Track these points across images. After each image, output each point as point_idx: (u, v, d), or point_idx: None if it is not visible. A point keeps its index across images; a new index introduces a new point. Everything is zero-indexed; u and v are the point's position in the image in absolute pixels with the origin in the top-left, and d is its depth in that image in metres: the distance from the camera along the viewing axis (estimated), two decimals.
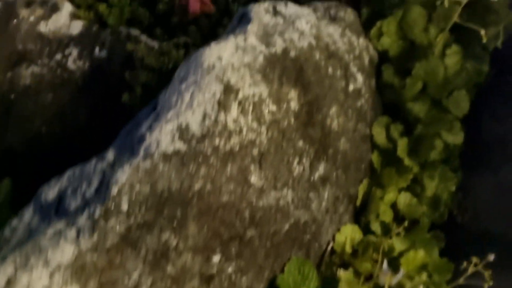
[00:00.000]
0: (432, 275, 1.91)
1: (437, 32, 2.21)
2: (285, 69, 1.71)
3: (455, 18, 1.98)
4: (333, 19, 2.03)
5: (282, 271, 1.73)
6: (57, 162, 1.72)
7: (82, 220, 1.40)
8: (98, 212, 1.39)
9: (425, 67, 2.09)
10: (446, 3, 1.91)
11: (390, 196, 2.02)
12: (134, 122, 1.58)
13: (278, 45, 1.74)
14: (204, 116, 1.49)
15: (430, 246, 1.96)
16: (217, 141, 1.50)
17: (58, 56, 2.01)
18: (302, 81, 1.76)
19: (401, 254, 1.94)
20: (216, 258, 1.56)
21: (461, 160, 2.15)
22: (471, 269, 1.73)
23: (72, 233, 1.39)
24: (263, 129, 1.62)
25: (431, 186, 2.07)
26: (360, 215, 2.04)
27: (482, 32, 1.90)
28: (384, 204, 2.02)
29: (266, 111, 1.63)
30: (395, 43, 2.15)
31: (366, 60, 2.09)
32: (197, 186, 1.48)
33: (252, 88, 1.60)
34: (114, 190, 1.40)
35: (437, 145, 2.05)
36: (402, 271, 1.79)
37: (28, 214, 1.53)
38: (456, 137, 2.06)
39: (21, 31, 2.02)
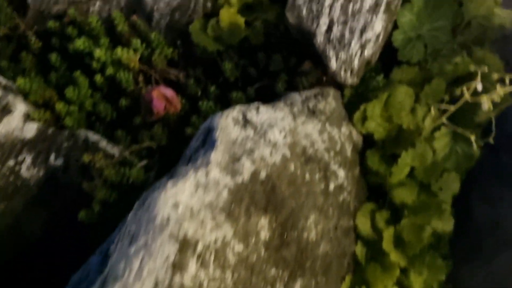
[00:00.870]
0: None
1: (425, 112, 2.06)
2: (254, 195, 1.59)
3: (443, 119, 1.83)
4: (312, 113, 1.88)
5: None
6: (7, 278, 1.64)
7: None
8: None
9: (412, 154, 1.95)
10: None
11: None
12: (83, 273, 1.48)
13: (246, 170, 1.62)
14: (156, 284, 1.38)
15: None
16: None
17: (11, 162, 1.89)
18: (275, 202, 1.64)
19: None
20: None
21: (451, 246, 2.03)
22: None
23: None
24: (228, 274, 1.51)
25: (419, 281, 1.96)
26: None
27: (472, 137, 1.74)
28: None
29: (230, 254, 1.52)
30: (380, 127, 2.02)
31: (349, 150, 1.96)
32: None
33: (214, 232, 1.49)
34: None
35: (425, 235, 1.93)
36: None
37: None
38: (446, 224, 1.96)
39: None
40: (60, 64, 2.00)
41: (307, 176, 1.77)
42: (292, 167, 1.72)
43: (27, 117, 1.94)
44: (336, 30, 1.75)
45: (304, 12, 1.77)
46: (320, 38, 1.76)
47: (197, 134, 1.72)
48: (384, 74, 2.14)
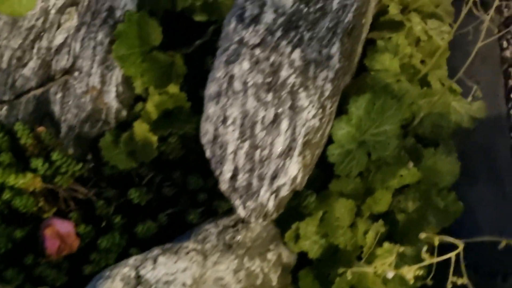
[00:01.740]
0: None
1: (367, 227, 1.87)
2: None
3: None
4: (229, 247, 1.69)
5: None
6: None
7: None
8: None
9: (350, 275, 1.77)
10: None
11: None
12: None
13: None
14: None
15: None
16: None
17: None
18: None
19: None
20: None
21: None
22: None
23: None
24: None
25: None
26: None
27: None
28: None
29: None
30: (315, 244, 1.84)
31: (275, 278, 1.79)
32: None
33: None
34: None
35: None
36: None
37: None
38: None
39: None
40: None
41: None
42: None
43: None
44: (241, 179, 1.55)
45: (208, 153, 1.56)
46: (224, 186, 1.56)
47: None
48: (325, 179, 1.94)
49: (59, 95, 1.86)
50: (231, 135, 1.53)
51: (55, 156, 1.76)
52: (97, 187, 1.86)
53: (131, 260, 1.54)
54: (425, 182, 2.02)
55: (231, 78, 1.50)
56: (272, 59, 1.49)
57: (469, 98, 2.08)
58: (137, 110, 1.89)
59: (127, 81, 1.85)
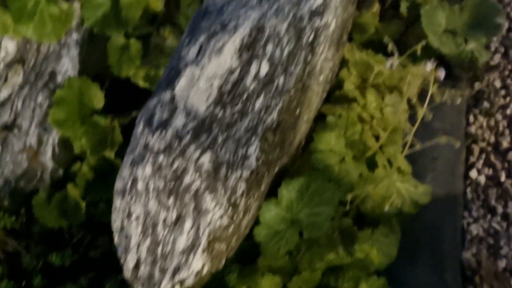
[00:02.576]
0: None
1: None
2: None
3: None
4: None
5: None
6: None
7: None
8: None
9: None
10: None
11: None
12: None
13: None
14: None
15: None
16: None
17: None
18: None
19: None
20: None
21: None
22: None
23: None
24: None
25: None
26: None
27: None
28: None
29: None
30: None
31: None
32: None
33: None
34: None
35: None
36: None
37: None
38: None
39: None
40: None
41: None
42: None
43: None
44: (144, 270, 1.58)
45: (116, 240, 1.60)
46: (128, 274, 1.59)
47: None
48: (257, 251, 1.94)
49: None
50: (134, 229, 1.56)
51: None
52: (28, 241, 1.90)
53: None
54: (356, 265, 2.01)
55: (135, 179, 1.52)
56: (176, 165, 1.50)
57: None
58: (74, 169, 1.92)
59: (64, 142, 1.88)
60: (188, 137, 1.48)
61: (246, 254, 1.96)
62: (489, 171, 2.32)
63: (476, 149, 2.35)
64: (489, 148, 2.38)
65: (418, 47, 2.27)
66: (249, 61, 1.54)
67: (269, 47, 1.57)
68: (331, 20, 1.70)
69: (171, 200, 1.48)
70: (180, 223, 1.52)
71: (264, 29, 1.55)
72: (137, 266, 1.57)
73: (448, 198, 2.27)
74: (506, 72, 2.43)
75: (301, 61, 1.65)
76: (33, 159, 1.87)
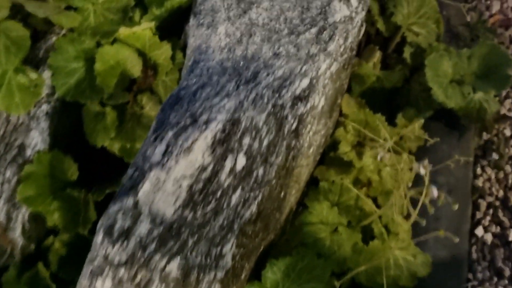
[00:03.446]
0: None
1: None
2: None
3: None
4: None
5: None
6: None
7: None
8: None
9: None
10: None
11: None
12: None
13: None
14: None
15: None
16: None
17: None
18: None
19: None
20: None
21: None
22: None
23: None
24: None
25: None
26: None
27: None
28: None
29: None
30: None
31: None
32: None
33: None
34: None
35: None
36: None
37: None
38: None
39: None
40: None
41: None
42: None
43: None
44: None
45: None
46: None
47: None
48: None
49: None
50: None
51: None
52: None
53: None
54: None
55: None
56: (139, 277, 1.37)
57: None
58: (47, 243, 1.80)
59: (35, 216, 1.76)
60: (153, 245, 1.34)
61: None
62: (497, 229, 2.17)
63: (483, 204, 2.20)
64: (497, 204, 2.23)
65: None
66: (223, 155, 1.40)
67: (246, 140, 1.42)
68: (319, 100, 1.55)
69: None
70: None
71: (240, 121, 1.40)
72: None
73: (451, 259, 2.13)
74: None
75: (283, 150, 1.50)
76: (1, 236, 1.75)
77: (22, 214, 1.77)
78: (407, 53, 2.20)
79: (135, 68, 1.73)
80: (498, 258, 2.13)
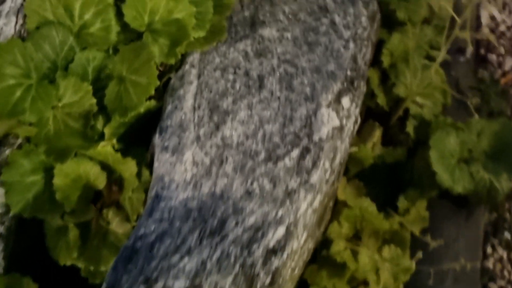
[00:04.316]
0: None
1: None
2: None
3: None
4: None
5: None
6: None
7: None
8: None
9: None
10: None
11: None
12: None
13: None
14: None
15: None
16: None
17: None
18: None
19: None
20: None
21: None
22: None
23: None
24: None
25: None
26: None
27: None
28: None
29: None
30: None
31: None
32: None
33: None
34: None
35: None
36: None
37: None
38: None
39: None
40: None
41: None
42: None
43: None
44: None
45: None
46: None
47: None
48: None
49: None
50: None
51: None
52: None
53: None
54: None
55: None
56: None
57: None
58: None
59: None
60: None
61: None
62: None
63: None
64: None
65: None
66: None
67: None
68: (299, 241, 1.36)
69: None
70: None
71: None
72: None
73: None
74: None
75: None
76: None
77: None
78: (410, 127, 1.99)
79: (99, 179, 1.54)
80: None
